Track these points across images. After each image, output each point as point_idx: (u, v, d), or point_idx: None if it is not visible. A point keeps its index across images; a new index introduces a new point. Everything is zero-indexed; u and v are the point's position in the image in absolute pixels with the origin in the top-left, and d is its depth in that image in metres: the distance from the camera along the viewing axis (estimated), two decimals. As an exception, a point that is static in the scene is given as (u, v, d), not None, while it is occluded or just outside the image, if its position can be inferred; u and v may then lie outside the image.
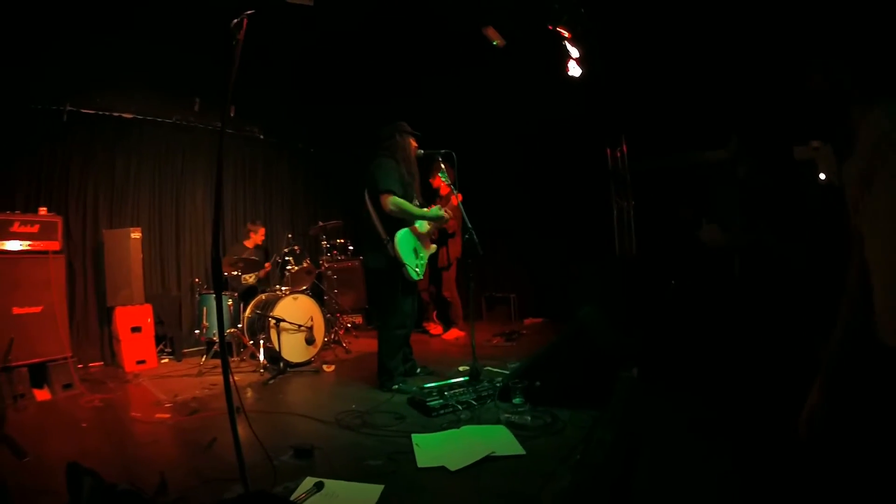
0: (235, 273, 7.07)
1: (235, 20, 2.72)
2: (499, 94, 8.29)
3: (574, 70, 6.70)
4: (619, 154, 7.94)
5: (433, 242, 5.44)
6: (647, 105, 7.18)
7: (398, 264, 4.81)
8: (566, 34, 6.44)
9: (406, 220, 4.93)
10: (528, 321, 8.92)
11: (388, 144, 5.05)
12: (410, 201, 4.97)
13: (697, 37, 6.13)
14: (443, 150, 5.08)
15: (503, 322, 8.99)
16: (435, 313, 8.53)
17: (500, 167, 9.26)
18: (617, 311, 5.79)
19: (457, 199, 5.36)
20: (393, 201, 4.78)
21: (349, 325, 8.41)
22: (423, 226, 5.09)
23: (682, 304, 5.64)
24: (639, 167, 7.73)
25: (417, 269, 4.96)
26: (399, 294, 4.92)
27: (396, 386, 4.83)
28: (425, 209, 5.12)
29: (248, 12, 2.72)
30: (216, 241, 2.69)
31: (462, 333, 7.90)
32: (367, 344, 7.34)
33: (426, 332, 8.34)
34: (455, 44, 7.30)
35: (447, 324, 8.15)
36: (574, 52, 6.62)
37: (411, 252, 4.94)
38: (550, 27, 6.38)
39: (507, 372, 4.99)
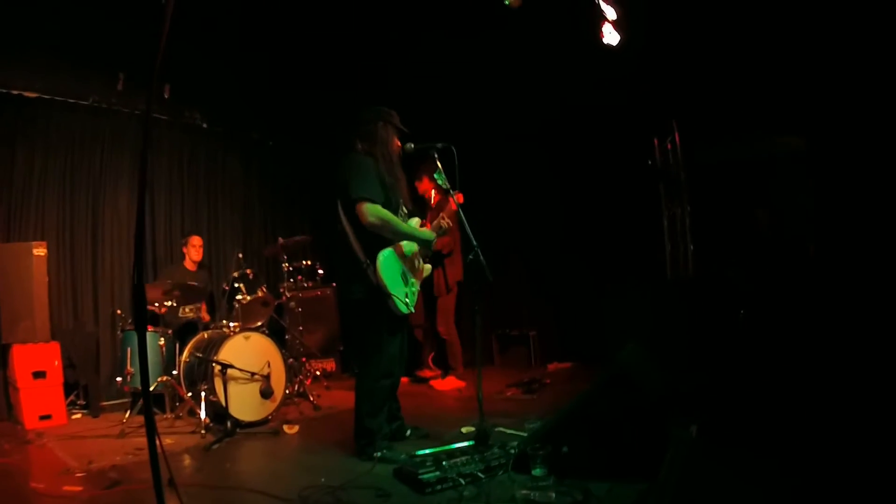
0: (170, 304, 7.01)
1: None
2: (512, 72, 8.28)
3: (610, 36, 6.70)
4: (669, 145, 7.92)
5: (427, 262, 5.39)
6: (706, 80, 7.15)
7: (382, 295, 4.75)
8: None
9: (389, 237, 4.87)
10: (552, 366, 8.90)
11: (367, 132, 5.01)
12: (396, 209, 4.93)
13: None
14: (439, 144, 5.02)
15: (520, 368, 8.97)
16: (431, 356, 8.48)
17: (515, 166, 9.26)
18: (669, 350, 5.73)
19: (455, 202, 5.27)
20: (373, 211, 4.70)
21: (318, 373, 8.36)
22: (410, 247, 5.04)
23: (756, 340, 5.58)
24: (697, 161, 7.68)
25: (407, 301, 4.90)
26: (384, 333, 4.86)
27: (379, 453, 4.74)
28: (417, 227, 5.09)
29: None
30: (138, 261, 2.64)
31: (462, 384, 7.86)
32: (342, 397, 7.29)
33: (421, 380, 8.28)
34: (455, 4, 7.30)
35: (444, 369, 8.10)
36: (610, 12, 6.61)
37: (398, 278, 4.87)
38: None
39: (525, 434, 4.93)
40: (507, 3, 6.81)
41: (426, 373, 8.38)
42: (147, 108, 2.77)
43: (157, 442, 2.55)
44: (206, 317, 7.68)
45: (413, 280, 5.06)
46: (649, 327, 6.69)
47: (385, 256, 4.78)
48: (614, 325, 7.36)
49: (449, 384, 7.87)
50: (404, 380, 7.79)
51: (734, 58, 6.75)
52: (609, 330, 7.48)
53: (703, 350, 5.89)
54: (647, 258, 8.12)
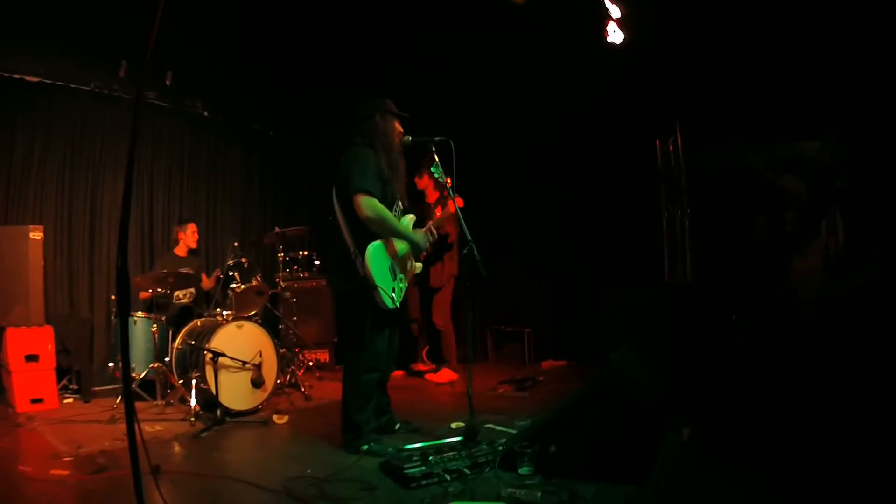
0: (163, 291, 6.97)
1: None
2: (514, 68, 8.25)
3: (615, 35, 6.63)
4: (671, 147, 7.86)
5: (419, 261, 5.35)
6: (711, 81, 7.10)
7: (369, 287, 4.69)
8: None
9: (380, 233, 4.82)
10: (546, 364, 8.87)
11: (366, 127, 4.97)
12: (392, 204, 4.90)
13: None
14: (437, 138, 4.99)
15: (515, 365, 8.94)
16: (426, 350, 8.44)
17: (513, 163, 9.24)
18: (664, 353, 5.68)
19: (454, 203, 5.22)
20: (370, 205, 4.66)
21: (311, 364, 8.33)
22: (403, 245, 5.00)
23: (752, 344, 5.54)
24: (698, 164, 7.62)
25: (394, 295, 4.83)
26: (370, 326, 4.81)
27: (367, 446, 4.72)
28: (410, 228, 5.09)
29: None
30: (122, 246, 2.61)
31: (456, 376, 7.83)
32: (335, 389, 7.15)
33: (415, 373, 8.28)
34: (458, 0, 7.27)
35: (438, 362, 8.06)
36: (614, 10, 6.55)
37: (386, 271, 4.82)
38: None
39: (514, 431, 4.88)
40: (511, -2, 6.76)
41: (420, 366, 8.35)
42: (137, 93, 2.75)
43: (136, 429, 2.49)
44: (207, 284, 7.74)
45: (401, 276, 5.00)
46: (645, 330, 6.64)
47: (374, 248, 4.73)
48: (611, 325, 7.31)
49: (443, 377, 7.85)
50: (399, 373, 7.88)
51: (742, 56, 6.69)
52: (606, 331, 7.44)
53: (696, 354, 5.84)
54: (646, 260, 8.06)
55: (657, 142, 7.94)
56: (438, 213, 5.34)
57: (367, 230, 4.74)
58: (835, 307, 4.28)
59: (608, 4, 6.48)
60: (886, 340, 4.18)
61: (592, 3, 6.50)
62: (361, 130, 4.98)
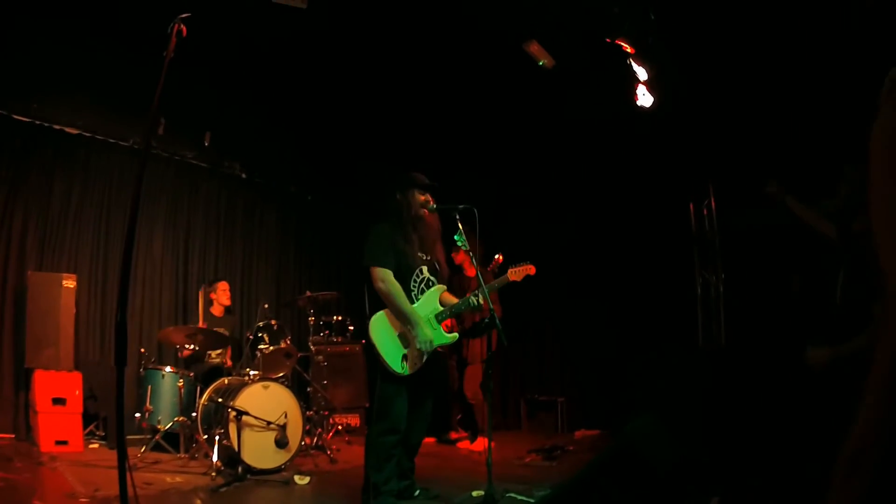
0: (193, 348, 7.03)
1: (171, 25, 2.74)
2: (544, 131, 8.31)
3: (644, 98, 6.63)
4: (705, 211, 7.80)
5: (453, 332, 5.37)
6: (745, 141, 6.97)
7: (375, 353, 4.78)
8: (628, 49, 6.35)
9: (388, 306, 4.87)
10: (579, 434, 8.75)
11: (389, 205, 5.10)
12: (408, 274, 4.95)
13: (808, 39, 5.92)
14: (461, 206, 5.00)
15: (547, 433, 8.89)
16: (458, 418, 8.36)
17: (545, 229, 9.19)
18: (690, 420, 5.58)
19: (476, 270, 5.16)
20: (383, 277, 4.77)
21: (340, 427, 8.30)
22: (423, 313, 4.95)
23: (791, 409, 5.41)
24: (733, 227, 7.50)
25: (405, 363, 4.83)
26: (385, 389, 4.82)
27: (381, 508, 4.67)
28: (435, 300, 5.07)
29: (183, 16, 2.70)
30: (122, 299, 2.65)
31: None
32: (363, 453, 7.21)
33: (449, 441, 8.26)
34: (489, 65, 7.40)
35: (473, 432, 8.03)
36: (641, 72, 6.57)
37: (393, 339, 4.85)
38: (609, 40, 6.29)
39: (533, 501, 4.85)
40: (541, 63, 6.80)
41: (452, 435, 8.30)
42: (146, 143, 2.82)
43: (128, 477, 2.55)
44: (228, 362, 7.67)
45: (418, 342, 4.87)
46: (679, 398, 6.53)
47: (376, 318, 4.84)
48: (643, 394, 7.21)
49: (479, 445, 7.76)
50: (430, 440, 7.77)
51: (777, 115, 6.59)
52: (638, 399, 7.34)
53: (732, 420, 5.73)
54: (680, 326, 7.97)
55: (690, 205, 7.88)
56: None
57: (379, 300, 4.83)
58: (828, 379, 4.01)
59: (634, 66, 6.46)
60: None
61: (620, 68, 6.51)
62: (385, 207, 5.11)
